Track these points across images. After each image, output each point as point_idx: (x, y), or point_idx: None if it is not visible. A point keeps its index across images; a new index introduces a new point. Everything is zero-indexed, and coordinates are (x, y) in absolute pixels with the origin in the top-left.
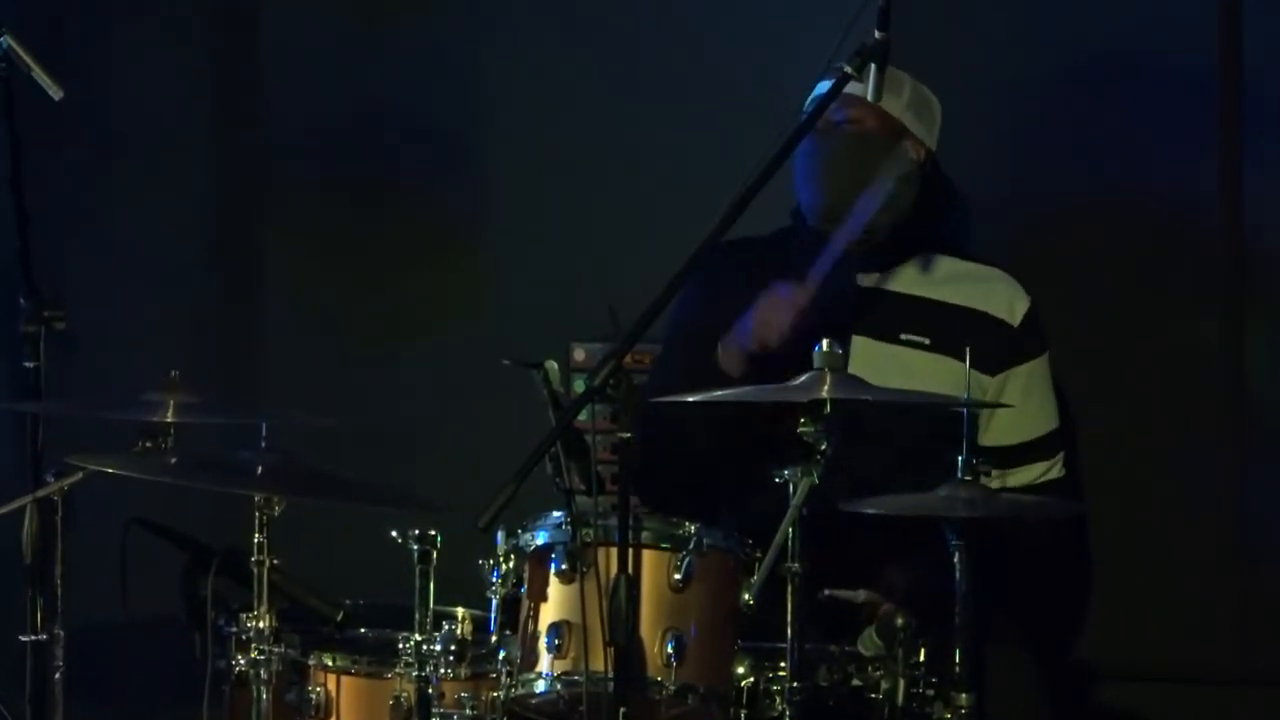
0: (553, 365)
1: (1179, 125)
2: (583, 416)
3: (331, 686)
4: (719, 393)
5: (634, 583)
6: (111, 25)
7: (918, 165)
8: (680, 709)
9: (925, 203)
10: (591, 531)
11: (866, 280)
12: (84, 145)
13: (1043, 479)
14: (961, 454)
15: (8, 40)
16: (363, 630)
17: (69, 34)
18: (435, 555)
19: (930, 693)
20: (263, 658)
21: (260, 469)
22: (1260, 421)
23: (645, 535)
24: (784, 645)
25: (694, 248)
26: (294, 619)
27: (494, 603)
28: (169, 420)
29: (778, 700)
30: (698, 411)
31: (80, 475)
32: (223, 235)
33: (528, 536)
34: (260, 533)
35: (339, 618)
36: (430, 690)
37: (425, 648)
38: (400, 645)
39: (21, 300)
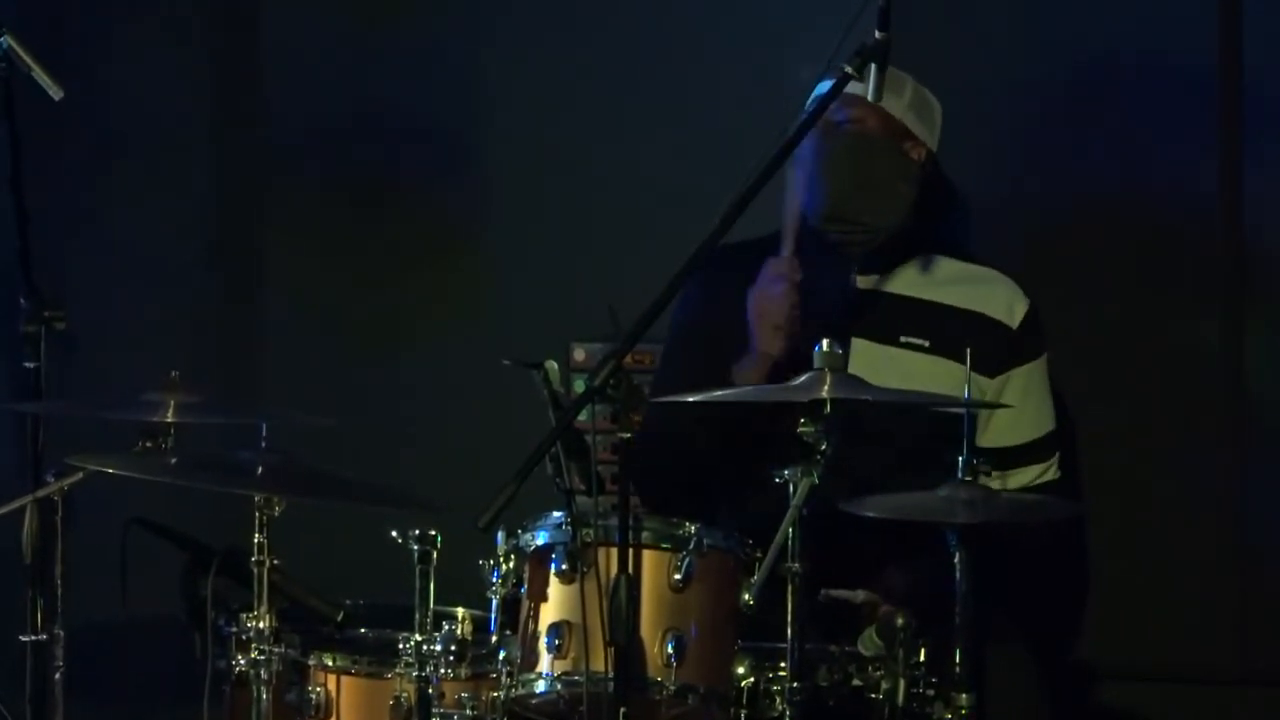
0: (553, 365)
1: (1179, 125)
2: (583, 416)
3: (332, 686)
4: (719, 393)
5: (634, 583)
6: (111, 25)
7: (919, 166)
8: (680, 709)
9: (925, 203)
10: (592, 531)
11: (865, 282)
12: (84, 145)
13: (1039, 481)
14: (961, 454)
15: (8, 40)
16: (363, 630)
17: (69, 34)
18: (435, 555)
19: (930, 693)
20: (263, 658)
21: (260, 469)
22: (1260, 421)
23: (645, 535)
24: (784, 645)
25: (694, 248)
26: (294, 619)
27: (494, 603)
28: (169, 420)
29: (778, 700)
30: (698, 412)
31: (80, 475)
32: (223, 235)
33: (528, 537)
34: (260, 533)
35: (339, 618)
36: (430, 690)
37: (425, 648)
38: (400, 645)
39: (22, 300)
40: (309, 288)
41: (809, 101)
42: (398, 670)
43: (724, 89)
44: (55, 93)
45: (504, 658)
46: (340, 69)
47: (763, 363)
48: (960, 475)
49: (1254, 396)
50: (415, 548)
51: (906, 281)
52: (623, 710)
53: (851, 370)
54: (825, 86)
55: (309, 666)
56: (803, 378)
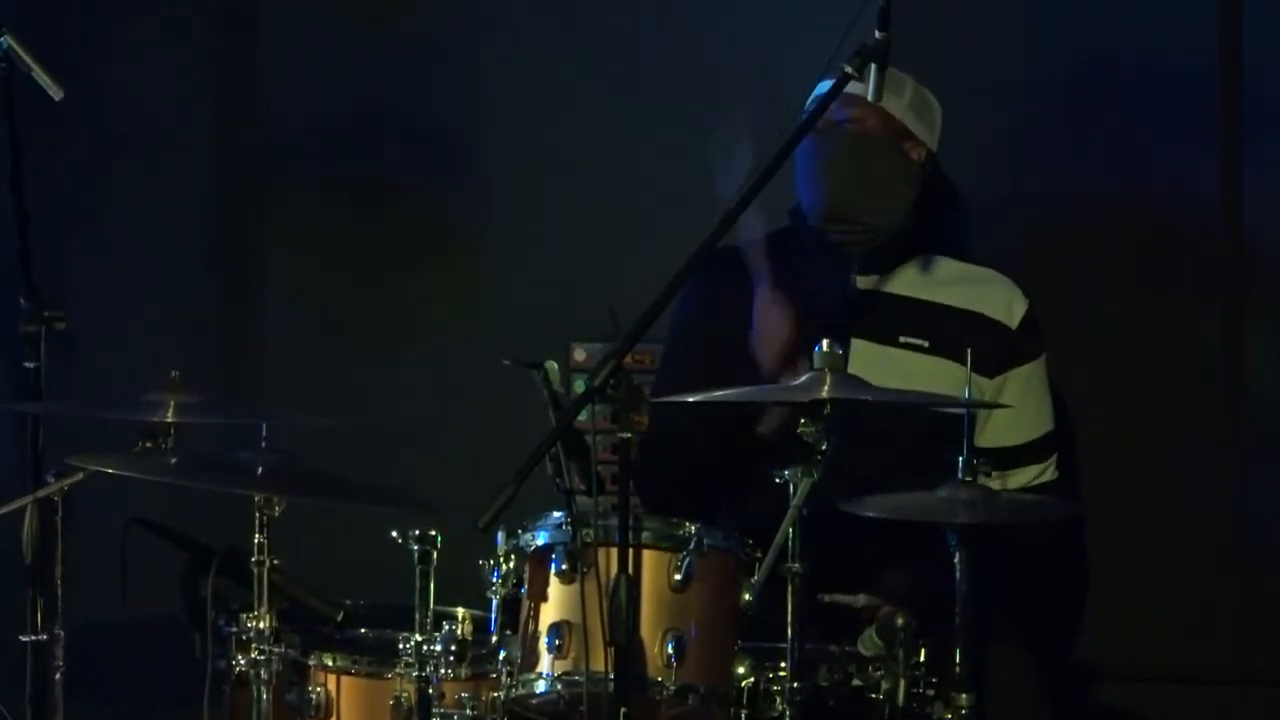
0: (553, 365)
1: (1179, 125)
2: (583, 417)
3: (332, 687)
4: (719, 393)
5: (634, 583)
6: (111, 25)
7: (919, 166)
8: (680, 709)
9: (925, 204)
10: (592, 532)
11: (865, 282)
12: (84, 145)
13: (1037, 481)
14: (961, 454)
15: (8, 40)
16: (363, 630)
17: (69, 34)
18: (435, 555)
19: (930, 693)
20: (263, 658)
21: (260, 469)
22: (1260, 421)
23: (645, 535)
24: (784, 645)
25: (694, 248)
26: (294, 619)
27: (494, 603)
28: (169, 420)
29: (778, 700)
30: (698, 412)
31: (80, 475)
32: (223, 235)
33: (528, 537)
34: (260, 533)
35: (339, 618)
36: (430, 690)
37: (425, 648)
38: (400, 645)
39: (22, 300)
40: (309, 288)
41: (809, 101)
42: (398, 670)
43: (724, 89)
44: (55, 93)
45: (504, 658)
46: (340, 69)
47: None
48: (960, 475)
49: (1254, 396)
50: (415, 548)
51: (906, 282)
52: (623, 710)
53: (851, 370)
54: (825, 86)
55: (309, 666)
56: (803, 378)
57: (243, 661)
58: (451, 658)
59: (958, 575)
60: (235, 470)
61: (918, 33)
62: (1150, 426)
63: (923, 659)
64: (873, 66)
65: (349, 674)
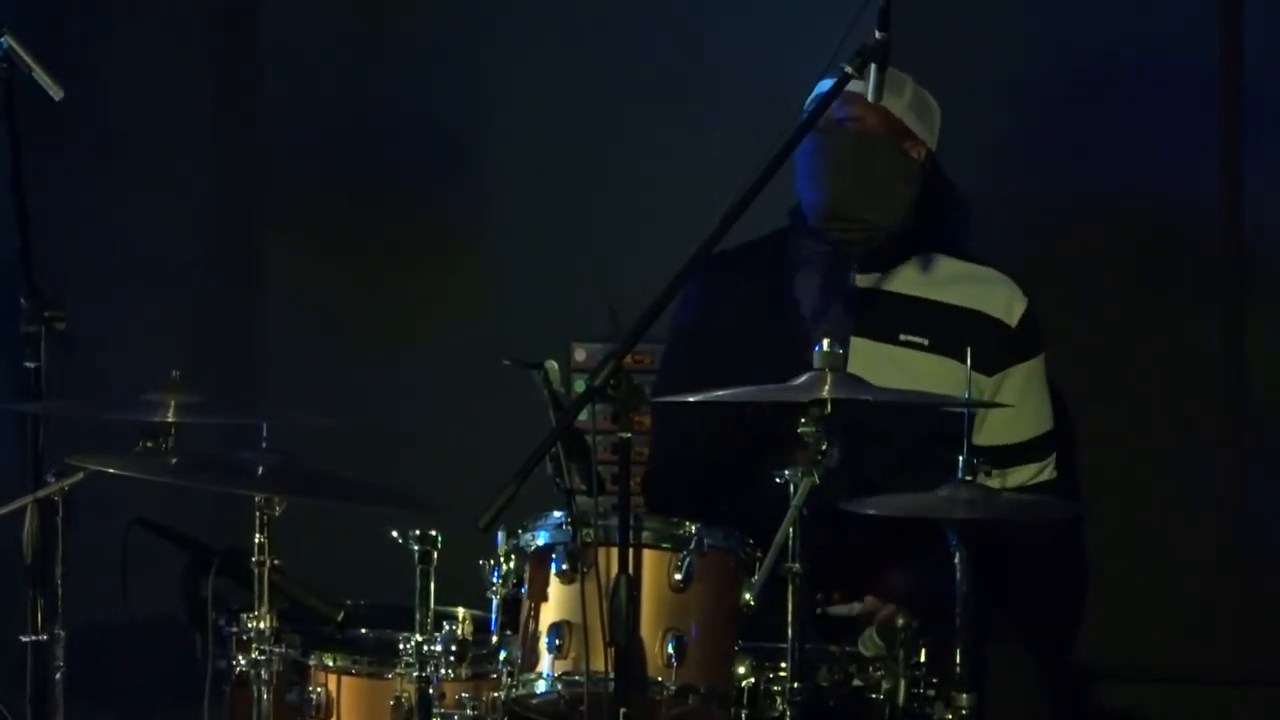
0: (553, 365)
1: (1179, 125)
2: (583, 417)
3: (332, 687)
4: (719, 393)
5: (634, 583)
6: (111, 25)
7: (918, 165)
8: (681, 709)
9: (925, 203)
10: (592, 532)
11: (865, 281)
12: (84, 145)
13: (1035, 480)
14: (961, 454)
15: (8, 40)
16: (363, 630)
17: (69, 34)
18: (436, 555)
19: (931, 693)
20: (263, 658)
21: (260, 469)
22: (1260, 421)
23: (646, 535)
24: (785, 645)
25: (694, 248)
26: (294, 619)
27: (494, 603)
28: (169, 420)
29: (778, 700)
30: (698, 412)
31: (80, 475)
32: (223, 235)
33: (528, 537)
34: (260, 533)
35: (339, 618)
36: (431, 690)
37: (426, 648)
38: (401, 645)
39: (22, 300)
40: (309, 288)
41: (809, 101)
42: (398, 670)
43: (724, 89)
44: (55, 93)
45: (504, 658)
46: (340, 69)
47: None
48: (960, 475)
49: (1254, 396)
50: (415, 548)
51: (906, 280)
52: (623, 710)
53: (851, 369)
54: (825, 86)
55: (309, 667)
56: (803, 378)
57: (243, 661)
58: (452, 658)
59: (958, 575)
60: (235, 470)
61: (918, 33)
62: (1150, 426)
63: (923, 659)
64: (873, 66)
65: (349, 674)
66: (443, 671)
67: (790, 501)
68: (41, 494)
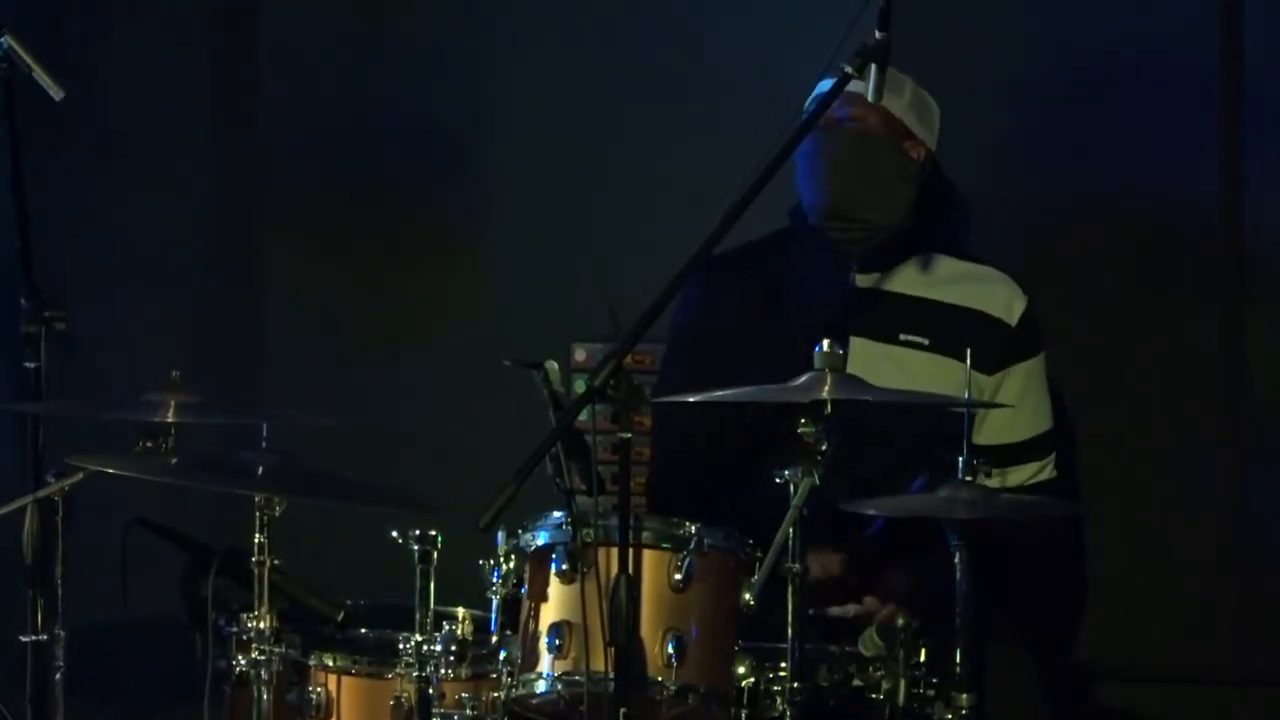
0: (553, 365)
1: (1179, 125)
2: (583, 417)
3: (332, 687)
4: (719, 393)
5: (634, 583)
6: (111, 25)
7: (918, 165)
8: (681, 709)
9: (925, 203)
10: (592, 532)
11: (865, 281)
12: (84, 145)
13: (1034, 480)
14: (961, 454)
15: (8, 40)
16: (363, 630)
17: (69, 34)
18: (436, 555)
19: (931, 693)
20: (263, 658)
21: (260, 469)
22: (1260, 421)
23: (646, 535)
24: (785, 645)
25: (694, 248)
26: (294, 619)
27: (494, 603)
28: (169, 420)
29: (778, 700)
30: (698, 412)
31: (80, 475)
32: (223, 235)
33: (528, 537)
34: (261, 533)
35: (339, 618)
36: (431, 690)
37: (426, 648)
38: (401, 645)
39: (22, 300)
40: (309, 288)
41: (809, 101)
42: (398, 670)
43: (724, 89)
44: (55, 93)
45: (504, 658)
46: (340, 69)
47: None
48: (960, 475)
49: (1254, 396)
50: (415, 548)
51: (906, 280)
52: (623, 710)
53: (851, 369)
54: (825, 86)
55: (309, 666)
56: (803, 378)
57: (243, 661)
58: (452, 658)
59: (958, 575)
60: (235, 470)
61: (918, 33)
62: (1150, 426)
63: (923, 659)
64: (873, 66)
65: (349, 674)
66: (443, 671)
67: (790, 501)
68: (41, 494)
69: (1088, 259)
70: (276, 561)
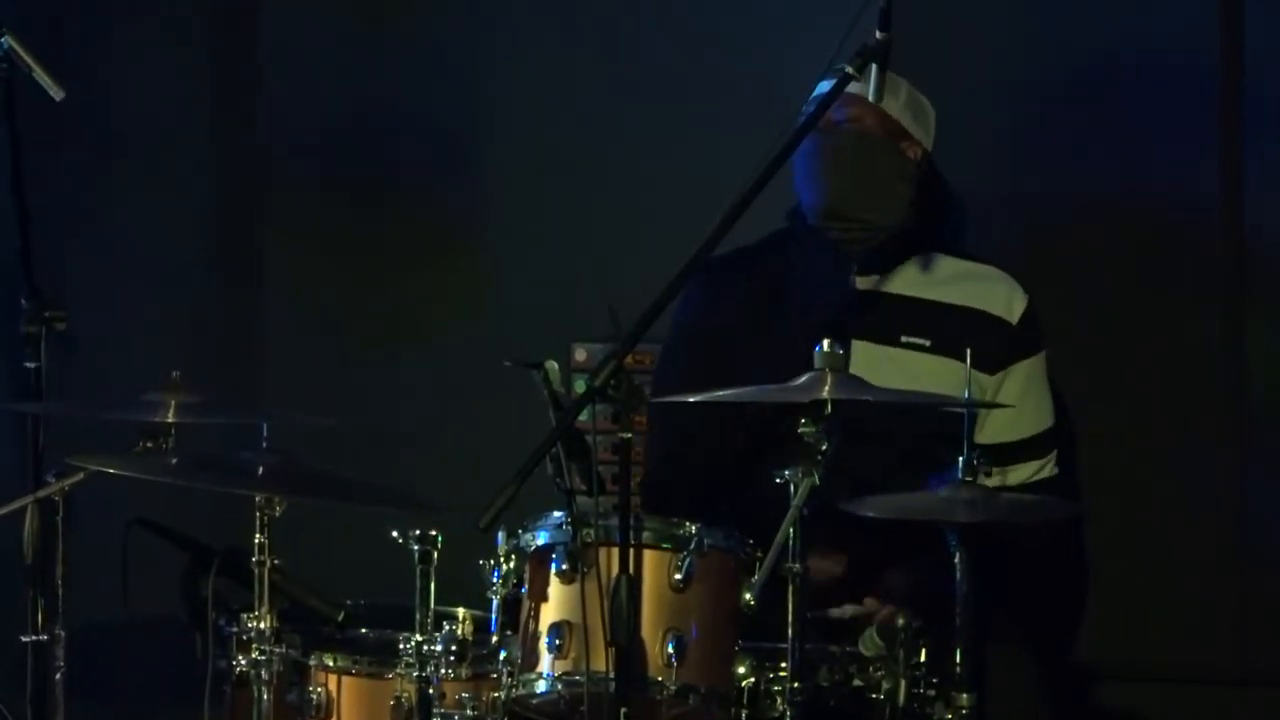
0: (553, 365)
1: (1179, 125)
2: (583, 417)
3: (332, 687)
4: (719, 393)
5: (635, 583)
6: (111, 25)
7: (915, 165)
8: (681, 709)
9: (923, 203)
10: (592, 532)
11: (865, 283)
12: (84, 145)
13: (1036, 478)
14: (961, 454)
15: (8, 40)
16: (363, 630)
17: (69, 34)
18: (436, 555)
19: (931, 693)
20: (263, 658)
21: (261, 469)
22: (1260, 421)
23: (646, 535)
24: (785, 645)
25: (694, 248)
26: (295, 619)
27: (495, 603)
28: (169, 420)
29: (779, 701)
30: (698, 412)
31: (81, 475)
32: (223, 235)
33: (528, 537)
34: (261, 533)
35: (340, 618)
36: (431, 691)
37: (426, 648)
38: (401, 645)
39: (22, 301)
40: (309, 288)
41: (808, 101)
42: (398, 670)
43: (724, 89)
44: (55, 93)
45: (505, 658)
46: (340, 69)
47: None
48: (960, 475)
49: (1254, 396)
50: (415, 548)
51: (906, 281)
52: (623, 710)
53: (852, 372)
54: (825, 86)
55: (309, 667)
56: (803, 378)
57: (243, 662)
58: (452, 658)
59: (958, 575)
60: (235, 470)
61: (918, 33)
62: (1150, 426)
63: (923, 659)
64: (873, 67)
65: (349, 674)
66: (443, 671)
67: (790, 501)
68: (41, 494)
69: (1088, 259)
70: (276, 561)
